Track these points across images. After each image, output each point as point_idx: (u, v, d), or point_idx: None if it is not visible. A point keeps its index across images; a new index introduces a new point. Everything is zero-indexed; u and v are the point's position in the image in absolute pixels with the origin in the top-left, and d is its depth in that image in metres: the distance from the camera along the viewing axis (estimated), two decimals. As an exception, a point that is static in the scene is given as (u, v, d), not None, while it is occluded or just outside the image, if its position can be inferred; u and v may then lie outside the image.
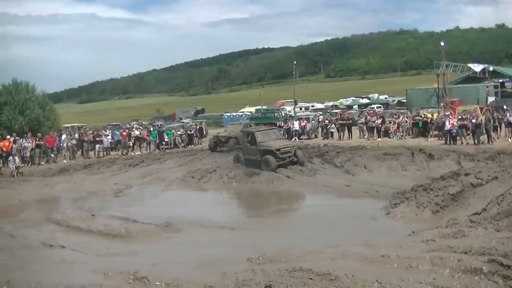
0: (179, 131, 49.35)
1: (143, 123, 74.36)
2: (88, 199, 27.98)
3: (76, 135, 43.09)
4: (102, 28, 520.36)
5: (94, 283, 11.83)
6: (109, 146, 43.55)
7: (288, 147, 33.58)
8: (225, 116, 78.12)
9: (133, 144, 44.82)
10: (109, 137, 43.69)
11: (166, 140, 46.82)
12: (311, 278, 10.94)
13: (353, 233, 17.66)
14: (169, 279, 12.03)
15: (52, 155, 40.22)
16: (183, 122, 69.58)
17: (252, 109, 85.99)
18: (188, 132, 49.72)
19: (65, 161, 40.55)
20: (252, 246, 15.91)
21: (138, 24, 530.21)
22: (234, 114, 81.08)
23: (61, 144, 41.29)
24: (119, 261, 15.08)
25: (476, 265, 10.69)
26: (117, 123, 72.35)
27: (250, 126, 44.73)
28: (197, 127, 52.87)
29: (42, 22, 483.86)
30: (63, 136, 42.09)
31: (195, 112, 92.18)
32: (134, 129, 49.43)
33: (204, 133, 54.67)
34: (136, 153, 43.61)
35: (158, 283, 11.85)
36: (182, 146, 47.15)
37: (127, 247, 17.35)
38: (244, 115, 74.96)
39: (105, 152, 43.07)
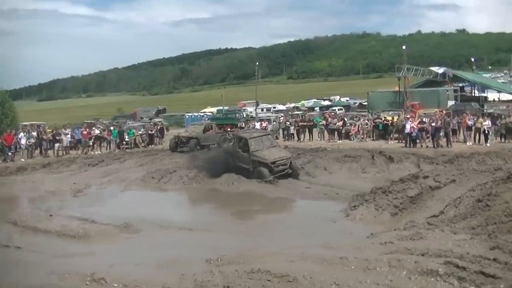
0: (139, 130, 49.00)
1: (104, 122, 73.57)
2: (46, 198, 27.59)
3: (35, 133, 42.41)
4: (64, 25, 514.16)
5: (51, 284, 11.71)
6: (68, 145, 42.89)
7: (284, 159, 31.17)
8: (187, 116, 77.79)
9: (93, 143, 44.28)
10: (69, 136, 43.07)
11: (126, 139, 46.37)
12: (269, 280, 11.04)
13: (312, 235, 17.77)
14: (127, 280, 12.02)
15: (10, 153, 39.36)
16: (152, 121, 68.95)
17: (214, 110, 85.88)
18: (149, 132, 49.36)
19: (23, 159, 39.77)
20: (211, 247, 15.96)
21: (100, 21, 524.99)
22: (196, 114, 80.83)
23: (19, 142, 40.58)
24: (76, 262, 14.99)
25: (432, 266, 10.87)
26: (91, 121, 72.17)
27: (211, 127, 44.77)
28: (158, 127, 52.42)
29: (2, 17, 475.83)
30: (21, 134, 41.36)
31: (157, 112, 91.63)
32: (94, 128, 48.82)
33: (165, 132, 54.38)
34: (96, 153, 43.10)
35: (115, 285, 11.84)
36: (142, 146, 46.78)
37: (85, 248, 17.23)
38: (205, 116, 74.74)
39: (64, 151, 42.42)
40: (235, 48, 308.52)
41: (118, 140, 45.63)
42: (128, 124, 59.36)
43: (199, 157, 35.13)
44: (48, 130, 45.72)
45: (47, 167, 37.47)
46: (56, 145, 41.97)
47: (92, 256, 16.06)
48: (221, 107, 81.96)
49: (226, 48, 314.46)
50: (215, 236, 19.12)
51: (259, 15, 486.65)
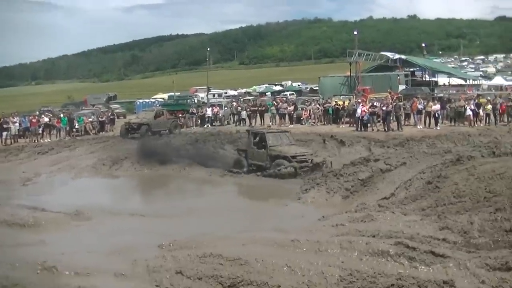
0: (90, 117, 48.42)
1: (59, 110, 72.25)
2: (-5, 188, 27.11)
3: (-19, 122, 41.57)
4: (10, 10, 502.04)
5: (0, 276, 11.47)
6: (16, 133, 42.13)
7: (305, 155, 28.76)
8: (138, 103, 77.06)
9: (43, 131, 43.58)
10: (17, 124, 42.29)
11: (76, 127, 45.76)
12: (221, 264, 11.01)
13: (264, 219, 17.90)
14: (79, 267, 11.80)
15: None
16: (112, 107, 68.27)
17: (165, 96, 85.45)
18: (100, 119, 48.82)
19: (-30, 149, 39.10)
20: (163, 232, 15.83)
21: (49, 7, 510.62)
22: (147, 100, 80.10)
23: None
24: (27, 251, 14.67)
25: (383, 247, 11.00)
26: (47, 108, 71.25)
27: (162, 113, 44.50)
28: (109, 114, 51.92)
29: None
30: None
31: (107, 99, 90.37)
32: (43, 115, 48.07)
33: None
34: (46, 140, 42.42)
35: (67, 273, 11.59)
36: (93, 133, 46.22)
37: (35, 237, 16.87)
38: (157, 102, 74.25)
39: (12, 140, 41.67)
40: (186, 34, 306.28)
41: (68, 128, 44.98)
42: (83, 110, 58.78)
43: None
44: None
45: (-5, 156, 36.83)
46: (4, 133, 41.13)
47: (43, 245, 15.73)
48: (172, 93, 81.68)
49: (177, 34, 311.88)
50: (167, 221, 19.07)
51: (211, 1, 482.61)
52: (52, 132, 44.38)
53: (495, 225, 12.81)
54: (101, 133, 46.77)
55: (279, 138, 29.57)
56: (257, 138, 29.74)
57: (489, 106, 37.46)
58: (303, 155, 28.37)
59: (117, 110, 63.52)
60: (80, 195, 24.92)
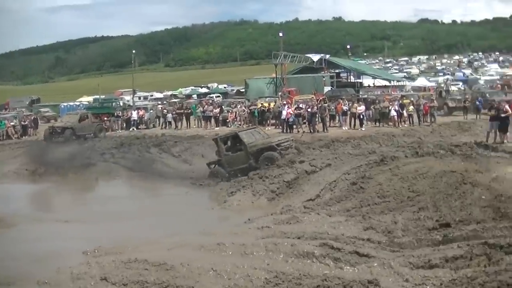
0: (12, 121, 47.29)
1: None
2: None
3: None
4: None
5: None
6: None
7: (288, 141, 28.06)
8: (62, 106, 75.73)
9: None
10: None
11: (-2, 131, 44.66)
12: (146, 269, 11.01)
13: (190, 223, 17.82)
14: (0, 277, 11.57)
15: None
16: (41, 110, 66.98)
17: (90, 99, 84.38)
18: (22, 122, 47.72)
19: None
20: (88, 238, 15.66)
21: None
22: (72, 103, 78.87)
23: None
24: None
25: (308, 249, 11.16)
26: None
27: (87, 116, 43.78)
28: (32, 118, 50.82)
29: None
30: None
31: (30, 102, 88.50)
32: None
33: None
34: (-35, 146, 41.30)
35: (-13, 282, 11.37)
36: (15, 137, 45.17)
37: (-48, 246, 16.48)
38: (81, 105, 73.16)
39: None
40: (112, 36, 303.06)
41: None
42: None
43: None
44: None
45: None
46: None
47: (-38, 254, 15.37)
48: (97, 96, 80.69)
49: (102, 36, 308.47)
50: (92, 227, 18.86)
51: (137, 2, 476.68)
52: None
53: (419, 224, 13.20)
54: (24, 137, 45.66)
55: (252, 135, 28.07)
56: (229, 142, 28.21)
57: (411, 107, 38.15)
58: (286, 141, 27.66)
59: (47, 113, 63.55)
60: (2, 202, 24.35)
